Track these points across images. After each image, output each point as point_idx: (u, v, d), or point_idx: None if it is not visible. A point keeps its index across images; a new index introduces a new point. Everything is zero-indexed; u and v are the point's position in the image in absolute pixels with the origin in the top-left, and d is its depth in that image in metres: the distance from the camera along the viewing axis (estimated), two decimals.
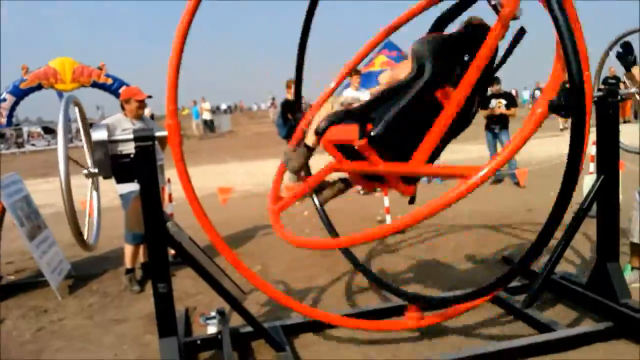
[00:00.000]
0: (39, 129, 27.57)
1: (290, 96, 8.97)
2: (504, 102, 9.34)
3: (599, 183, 3.83)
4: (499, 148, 9.49)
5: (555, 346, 3.43)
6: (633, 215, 4.32)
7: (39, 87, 7.47)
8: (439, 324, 4.00)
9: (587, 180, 6.27)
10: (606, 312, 3.71)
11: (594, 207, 3.93)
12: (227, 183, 9.35)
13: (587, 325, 3.74)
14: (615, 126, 3.82)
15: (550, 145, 13.43)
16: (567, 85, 2.43)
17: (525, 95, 37.04)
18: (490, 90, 9.86)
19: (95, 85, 7.76)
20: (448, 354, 3.43)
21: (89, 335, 4.30)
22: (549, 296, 4.28)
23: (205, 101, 28.39)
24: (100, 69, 7.81)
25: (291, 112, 8.93)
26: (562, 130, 17.99)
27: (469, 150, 13.42)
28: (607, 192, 3.83)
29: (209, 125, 30.20)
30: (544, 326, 3.67)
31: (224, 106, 55.28)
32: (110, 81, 7.63)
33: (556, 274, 4.25)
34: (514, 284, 4.47)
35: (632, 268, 4.44)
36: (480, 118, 10.56)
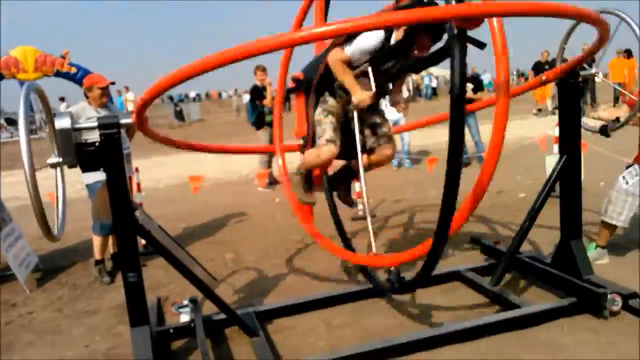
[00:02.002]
0: (1, 121, 26.82)
1: (258, 82, 8.92)
2: (470, 86, 9.44)
3: (561, 163, 3.93)
4: (467, 131, 9.62)
5: (522, 322, 3.54)
6: (613, 196, 4.38)
7: (0, 77, 7.22)
8: (407, 304, 4.09)
9: (550, 161, 6.43)
10: (570, 288, 3.83)
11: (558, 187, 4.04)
12: (198, 172, 9.28)
13: (552, 302, 3.85)
14: (577, 107, 3.91)
15: (516, 128, 13.69)
16: None
17: (485, 79, 37.30)
18: None
19: (58, 74, 7.52)
20: (418, 333, 3.50)
21: (59, 327, 4.24)
22: (515, 274, 4.39)
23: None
24: (63, 57, 7.57)
25: (260, 99, 8.88)
26: (535, 114, 18.24)
27: (438, 134, 13.55)
28: (569, 172, 3.94)
29: (177, 114, 29.70)
30: (510, 303, 3.77)
31: (192, 94, 54.57)
32: (74, 70, 7.39)
33: (522, 253, 4.36)
34: (481, 263, 4.60)
35: (597, 246, 4.56)
36: (447, 103, 10.70)
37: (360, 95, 3.33)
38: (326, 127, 3.48)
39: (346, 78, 3.36)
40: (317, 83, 3.55)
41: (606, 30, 3.10)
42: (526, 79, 19.49)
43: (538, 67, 16.77)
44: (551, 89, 17.35)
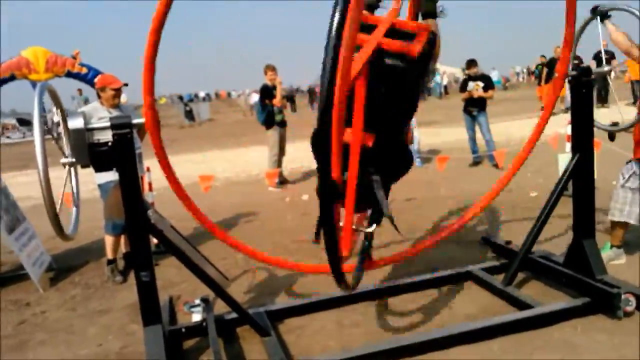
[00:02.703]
0: (13, 121, 27.05)
1: (268, 82, 8.94)
2: (481, 84, 9.40)
3: (574, 162, 3.90)
4: (477, 130, 9.58)
5: (534, 323, 3.52)
6: (614, 193, 4.37)
7: (12, 78, 7.29)
8: (419, 304, 4.08)
9: (562, 159, 6.38)
10: (583, 288, 3.80)
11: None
12: (208, 171, 9.31)
13: (565, 302, 3.82)
14: (589, 105, 3.88)
15: (528, 127, 13.64)
16: None
17: (494, 76, 36.74)
18: (467, 73, 9.93)
19: (69, 75, 7.59)
20: (429, 333, 3.50)
21: (72, 327, 4.27)
22: (527, 274, 4.36)
23: None
24: (74, 57, 7.64)
25: (269, 98, 8.90)
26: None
27: (448, 133, 13.54)
28: (582, 171, 3.91)
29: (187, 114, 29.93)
30: (523, 304, 3.74)
31: (202, 94, 54.80)
32: (85, 70, 7.46)
33: (534, 253, 4.33)
34: (493, 263, 4.58)
35: (612, 246, 4.49)
36: (458, 101, 10.65)
37: None
38: None
39: None
40: None
41: None
42: (537, 77, 19.43)
43: (551, 64, 16.62)
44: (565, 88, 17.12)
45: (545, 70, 18.02)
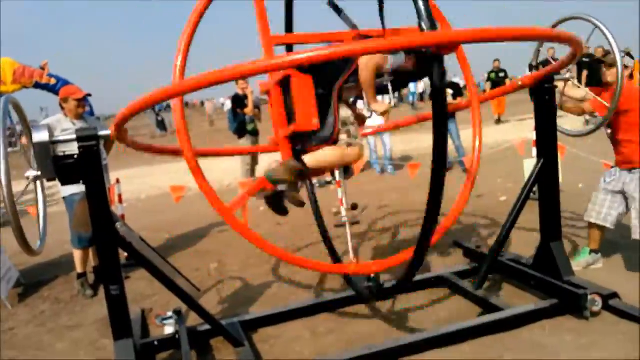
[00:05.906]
0: None
1: (240, 91, 8.91)
2: (450, 92, 9.53)
3: (539, 166, 3.99)
4: (447, 136, 9.70)
5: (505, 325, 3.57)
6: (593, 195, 4.41)
7: None
8: (391, 310, 4.11)
9: (528, 165, 6.50)
10: (551, 290, 3.88)
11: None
12: (181, 182, 9.21)
13: (534, 303, 3.89)
14: (552, 111, 3.98)
15: (495, 133, 13.88)
16: None
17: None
18: None
19: (37, 86, 7.43)
20: (402, 338, 3.52)
21: (42, 343, 4.19)
22: (497, 277, 4.44)
23: None
24: (42, 68, 7.49)
25: (240, 107, 8.87)
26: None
27: (420, 139, 13.66)
28: (547, 175, 4.00)
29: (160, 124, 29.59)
30: (493, 306, 3.80)
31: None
32: (53, 81, 7.29)
33: (504, 256, 4.40)
34: (463, 267, 4.64)
35: (591, 251, 4.51)
36: (429, 108, 10.78)
37: (380, 107, 3.39)
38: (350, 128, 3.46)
39: (371, 85, 3.37)
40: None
41: (579, 47, 3.18)
42: (493, 85, 18.04)
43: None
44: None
45: (507, 76, 17.82)
